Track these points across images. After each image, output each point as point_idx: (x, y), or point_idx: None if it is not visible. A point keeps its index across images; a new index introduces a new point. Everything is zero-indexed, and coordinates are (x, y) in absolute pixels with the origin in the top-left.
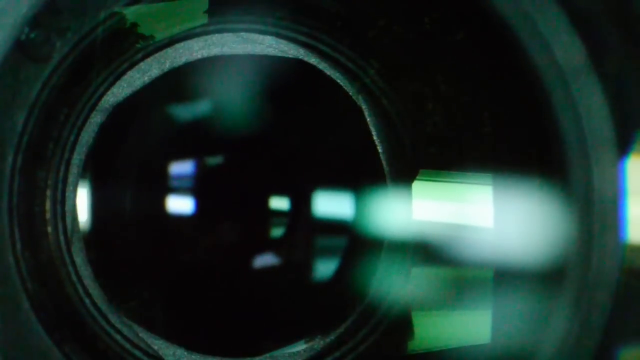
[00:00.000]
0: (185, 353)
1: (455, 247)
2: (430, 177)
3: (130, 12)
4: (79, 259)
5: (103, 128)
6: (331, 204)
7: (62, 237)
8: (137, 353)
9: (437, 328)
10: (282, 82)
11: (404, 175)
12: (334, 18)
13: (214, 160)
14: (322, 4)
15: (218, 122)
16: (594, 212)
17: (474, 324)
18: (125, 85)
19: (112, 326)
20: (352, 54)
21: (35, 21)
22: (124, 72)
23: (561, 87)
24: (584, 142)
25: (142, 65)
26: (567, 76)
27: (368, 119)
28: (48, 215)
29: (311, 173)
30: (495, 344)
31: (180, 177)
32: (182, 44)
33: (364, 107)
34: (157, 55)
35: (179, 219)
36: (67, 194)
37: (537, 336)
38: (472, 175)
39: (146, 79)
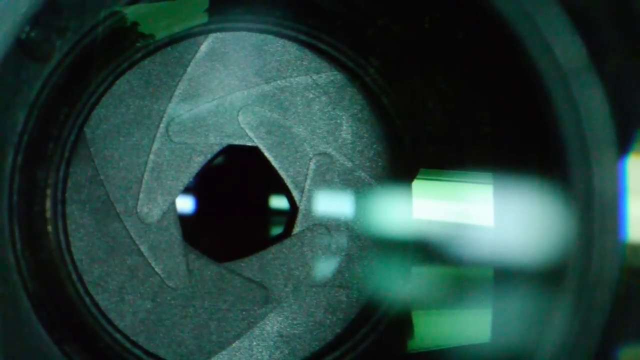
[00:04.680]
0: None
1: (456, 247)
2: (430, 176)
3: (131, 11)
4: None
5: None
6: (331, 203)
7: (62, 237)
8: (138, 352)
9: (437, 327)
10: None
11: (404, 174)
12: (334, 17)
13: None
14: (322, 3)
15: None
16: (594, 211)
17: (474, 323)
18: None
19: (113, 325)
20: (352, 53)
21: (35, 20)
22: (124, 72)
23: (561, 86)
24: (584, 141)
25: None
26: (568, 76)
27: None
28: (48, 215)
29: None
30: (495, 343)
31: None
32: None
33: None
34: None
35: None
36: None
37: (537, 335)
38: (472, 175)
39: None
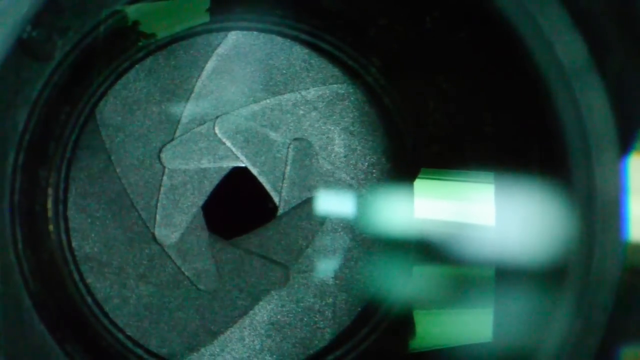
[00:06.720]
0: None
1: (457, 246)
2: (432, 176)
3: (132, 11)
4: None
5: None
6: (332, 202)
7: (63, 236)
8: (139, 351)
9: (438, 326)
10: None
11: (406, 173)
12: (335, 17)
13: None
14: (324, 3)
15: None
16: (595, 210)
17: (476, 323)
18: None
19: (114, 324)
20: (354, 52)
21: (37, 20)
22: (125, 71)
23: (563, 86)
24: (585, 140)
25: None
26: (569, 75)
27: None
28: (50, 214)
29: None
30: (496, 342)
31: None
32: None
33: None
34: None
35: None
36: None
37: (539, 335)
38: (473, 174)
39: None
